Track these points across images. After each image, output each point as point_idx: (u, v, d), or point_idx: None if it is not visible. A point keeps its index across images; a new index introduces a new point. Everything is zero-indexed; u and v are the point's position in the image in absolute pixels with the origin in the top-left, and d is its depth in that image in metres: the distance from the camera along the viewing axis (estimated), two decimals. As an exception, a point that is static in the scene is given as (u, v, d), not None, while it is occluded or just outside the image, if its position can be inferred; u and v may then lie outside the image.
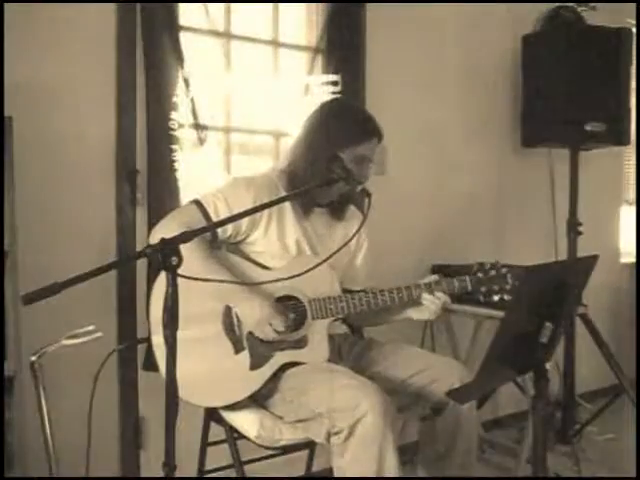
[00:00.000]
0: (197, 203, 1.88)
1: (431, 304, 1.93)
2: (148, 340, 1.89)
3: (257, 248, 1.94)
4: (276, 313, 1.84)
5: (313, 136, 1.97)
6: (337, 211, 2.06)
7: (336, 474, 1.76)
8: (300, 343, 1.90)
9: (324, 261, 1.79)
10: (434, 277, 1.95)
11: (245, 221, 1.87)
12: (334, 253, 1.81)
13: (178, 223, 1.78)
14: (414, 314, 2.00)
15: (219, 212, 1.86)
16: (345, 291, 1.99)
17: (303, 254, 1.97)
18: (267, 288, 1.87)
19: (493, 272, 1.92)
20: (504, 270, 1.92)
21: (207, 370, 1.85)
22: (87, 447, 1.88)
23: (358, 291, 2.01)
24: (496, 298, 1.92)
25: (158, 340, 1.83)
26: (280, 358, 1.88)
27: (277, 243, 1.93)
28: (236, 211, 1.79)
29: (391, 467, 1.69)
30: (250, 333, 1.87)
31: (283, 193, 1.94)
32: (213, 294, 1.85)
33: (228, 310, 1.88)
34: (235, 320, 1.88)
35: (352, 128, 1.96)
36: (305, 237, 1.98)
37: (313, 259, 1.90)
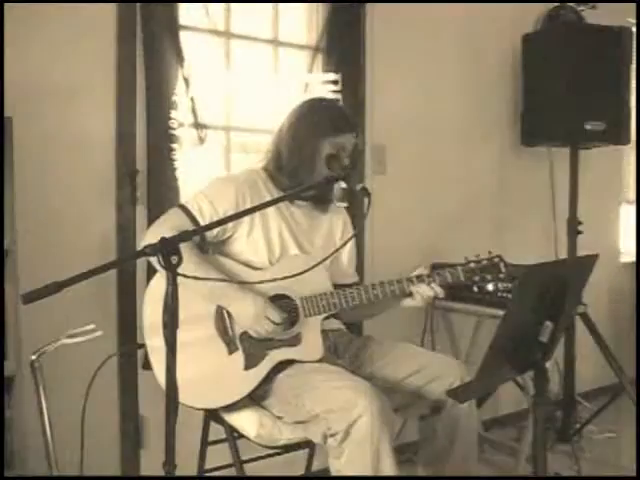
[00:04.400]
0: (182, 207, 1.91)
1: (424, 294, 1.92)
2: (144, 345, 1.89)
3: (242, 245, 1.96)
4: (270, 307, 1.85)
5: (295, 128, 2.01)
6: (320, 204, 2.08)
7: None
8: (294, 341, 1.91)
9: (321, 262, 1.79)
10: (422, 269, 1.95)
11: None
12: (332, 254, 1.83)
13: (167, 228, 1.77)
14: (406, 302, 1.98)
15: (204, 214, 1.88)
16: (336, 286, 1.99)
17: (289, 251, 1.98)
18: (258, 288, 1.87)
19: (485, 262, 1.92)
20: (496, 259, 1.91)
21: (202, 372, 1.85)
22: (81, 446, 1.88)
23: (349, 285, 2.01)
24: (490, 287, 1.91)
25: (152, 344, 1.83)
26: (274, 357, 1.89)
27: (262, 239, 1.95)
28: (220, 210, 1.87)
29: (388, 468, 1.69)
30: (244, 333, 1.88)
31: (263, 188, 1.99)
32: (205, 296, 1.85)
33: (220, 311, 1.89)
34: (228, 320, 1.88)
35: (333, 119, 2.01)
36: (289, 231, 2.00)
37: (303, 258, 1.92)
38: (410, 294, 1.94)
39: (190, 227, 1.81)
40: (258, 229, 1.95)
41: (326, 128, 1.98)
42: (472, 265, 1.91)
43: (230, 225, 1.92)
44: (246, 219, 1.93)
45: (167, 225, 1.84)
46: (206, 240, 1.93)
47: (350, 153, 2.02)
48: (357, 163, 2.10)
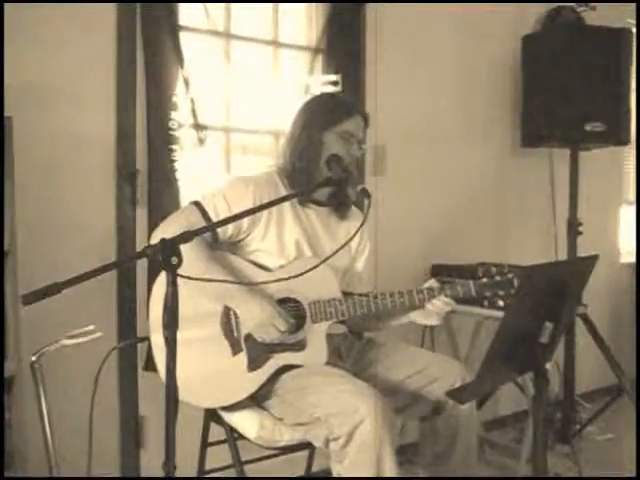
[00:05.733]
0: (197, 204, 1.88)
1: (439, 310, 1.89)
2: (148, 339, 1.89)
3: (256, 247, 1.94)
4: (277, 314, 1.83)
5: (296, 126, 2.00)
6: (338, 210, 2.06)
7: None
8: (298, 346, 1.89)
9: (323, 261, 1.78)
10: (434, 282, 1.93)
11: (246, 220, 1.87)
12: (333, 254, 1.79)
13: (179, 225, 1.77)
14: (419, 318, 1.97)
15: (219, 212, 1.86)
16: (348, 294, 1.97)
17: (303, 256, 1.96)
18: (267, 290, 1.86)
19: (498, 277, 1.88)
20: (510, 275, 1.87)
21: (205, 371, 1.84)
22: (89, 447, 1.88)
23: (360, 294, 2.00)
24: (501, 303, 1.87)
25: (157, 340, 1.83)
26: (278, 360, 1.88)
27: (276, 242, 1.93)
28: (236, 211, 1.79)
29: (389, 471, 1.69)
30: (249, 335, 1.87)
31: (283, 190, 1.96)
32: (212, 295, 1.84)
33: (227, 311, 1.88)
34: (234, 321, 1.88)
35: (332, 108, 2.00)
36: (305, 237, 1.98)
37: (314, 261, 1.88)
38: (419, 307, 1.91)
39: (203, 225, 1.78)
40: (273, 232, 1.93)
41: (325, 119, 1.96)
42: (485, 280, 1.88)
43: (244, 227, 1.90)
44: (262, 221, 1.91)
45: (180, 221, 1.83)
46: (218, 240, 1.91)
47: (362, 140, 1.99)
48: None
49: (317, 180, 1.94)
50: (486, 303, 1.88)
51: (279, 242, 1.93)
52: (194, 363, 1.79)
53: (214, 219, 1.84)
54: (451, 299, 1.89)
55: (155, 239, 1.79)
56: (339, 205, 2.05)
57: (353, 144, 1.97)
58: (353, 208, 2.11)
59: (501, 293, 1.87)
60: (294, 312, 1.89)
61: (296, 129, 2.00)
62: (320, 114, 1.98)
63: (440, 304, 1.89)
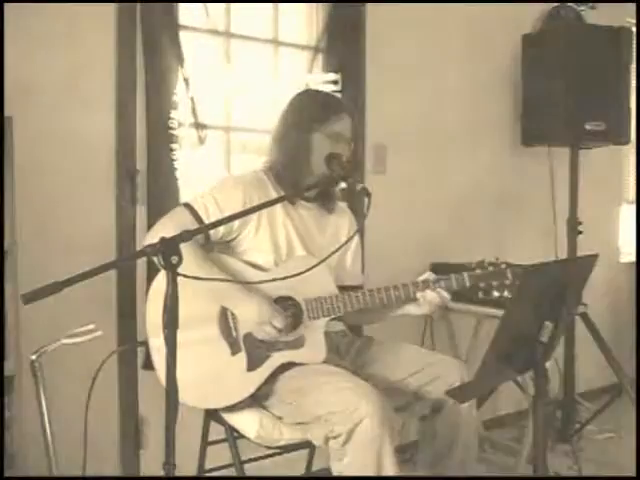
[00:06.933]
0: (187, 206, 1.89)
1: (432, 300, 1.90)
2: (147, 343, 1.89)
3: (247, 245, 1.94)
4: (275, 312, 1.84)
5: (284, 124, 2.00)
6: (326, 205, 2.07)
7: None
8: (297, 343, 1.90)
9: (322, 261, 1.78)
10: (429, 274, 1.94)
11: (237, 220, 1.87)
12: (332, 253, 1.80)
13: (172, 226, 1.76)
14: (413, 309, 1.98)
15: (210, 213, 1.86)
16: (341, 288, 1.99)
17: (295, 253, 1.97)
18: (263, 289, 1.86)
19: (491, 268, 1.89)
20: (503, 266, 1.88)
21: (204, 372, 1.84)
22: (84, 448, 1.88)
23: (354, 287, 2.00)
24: (496, 294, 1.89)
25: (155, 344, 1.82)
26: (277, 359, 1.88)
27: (268, 240, 1.94)
28: (227, 211, 1.81)
29: (389, 469, 1.69)
30: (247, 334, 1.87)
31: (272, 189, 1.97)
32: (209, 296, 1.84)
33: (224, 311, 1.88)
34: (231, 321, 1.88)
35: (320, 108, 1.99)
36: (295, 233, 1.99)
37: (308, 259, 1.89)
38: (415, 299, 1.92)
39: (195, 226, 1.79)
40: (265, 230, 1.93)
41: (313, 119, 1.96)
42: (478, 271, 1.88)
43: (235, 226, 1.90)
44: (253, 220, 1.91)
45: (172, 223, 1.82)
46: (210, 240, 1.91)
47: (350, 139, 1.99)
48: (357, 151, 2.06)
49: (305, 180, 1.95)
50: (481, 295, 1.89)
51: (271, 240, 1.94)
52: (193, 365, 1.78)
53: (205, 220, 1.84)
54: (446, 291, 1.89)
55: (149, 241, 1.79)
56: (326, 200, 2.06)
57: (341, 144, 1.97)
58: (338, 202, 2.13)
59: (495, 284, 1.87)
60: (291, 310, 1.89)
61: (284, 128, 2.00)
62: (308, 114, 1.97)
63: (432, 293, 1.89)
